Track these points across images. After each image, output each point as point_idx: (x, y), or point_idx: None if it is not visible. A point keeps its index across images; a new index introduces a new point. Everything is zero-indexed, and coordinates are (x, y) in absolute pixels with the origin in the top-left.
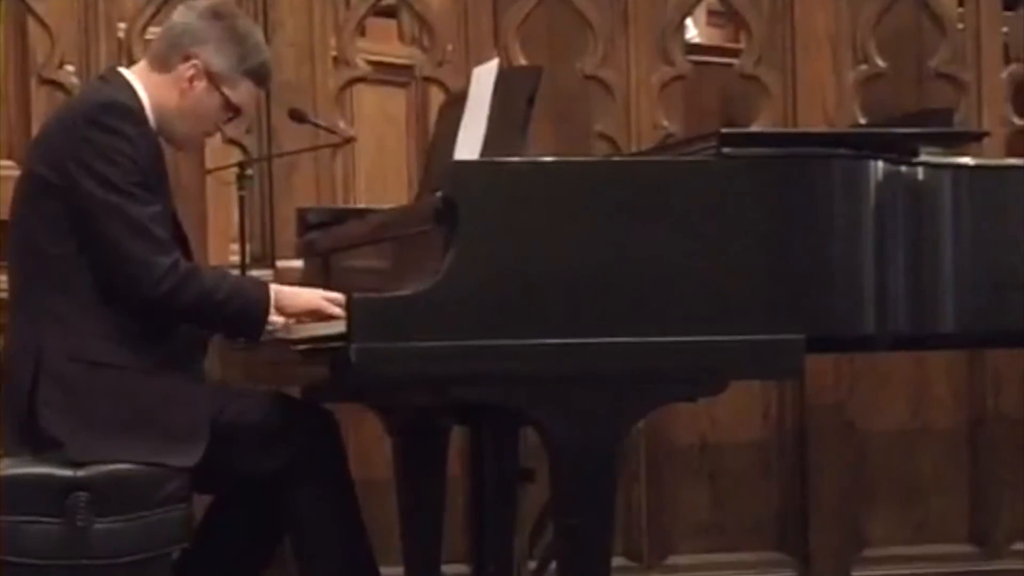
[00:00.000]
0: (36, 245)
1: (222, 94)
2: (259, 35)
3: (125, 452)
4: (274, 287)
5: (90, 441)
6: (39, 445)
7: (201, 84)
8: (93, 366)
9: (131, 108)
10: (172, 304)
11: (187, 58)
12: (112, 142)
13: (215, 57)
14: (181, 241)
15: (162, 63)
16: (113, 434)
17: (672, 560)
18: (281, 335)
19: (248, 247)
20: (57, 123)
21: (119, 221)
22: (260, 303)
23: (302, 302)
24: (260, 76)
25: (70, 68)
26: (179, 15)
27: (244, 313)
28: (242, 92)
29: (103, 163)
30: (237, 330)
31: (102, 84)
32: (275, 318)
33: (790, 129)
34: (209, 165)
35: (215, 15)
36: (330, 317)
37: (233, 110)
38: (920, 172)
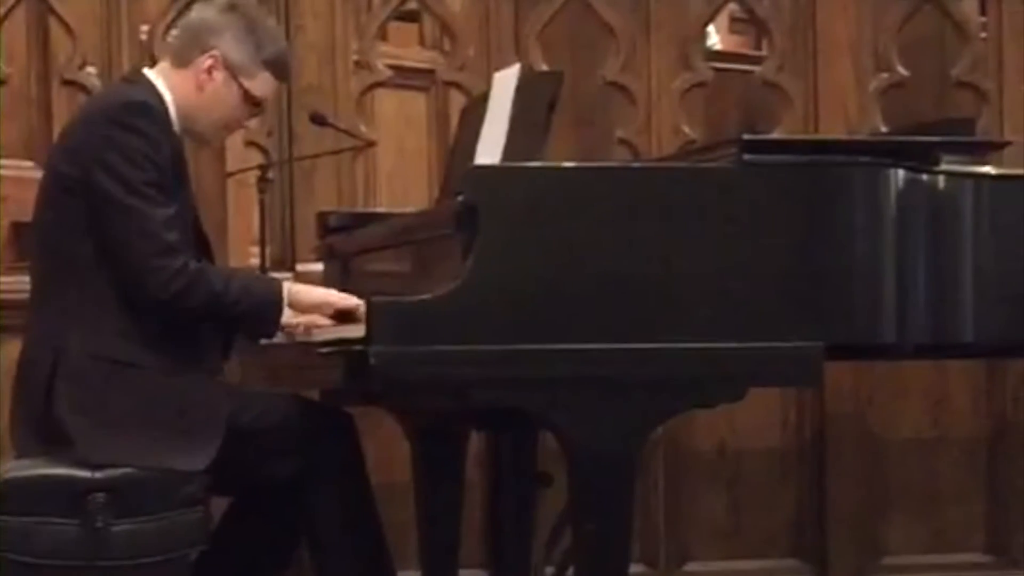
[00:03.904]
0: (57, 244)
1: (240, 85)
2: (276, 28)
3: (134, 455)
4: (287, 285)
5: (102, 441)
6: (52, 442)
7: (219, 75)
8: (112, 364)
9: (153, 107)
10: (182, 306)
11: (205, 51)
12: (132, 141)
13: (232, 48)
14: (202, 244)
15: (181, 58)
16: (125, 434)
17: (689, 567)
18: (302, 338)
19: (268, 250)
20: (80, 122)
21: (132, 223)
22: (271, 304)
23: (315, 298)
24: (278, 67)
25: (92, 70)
26: (196, 11)
27: (254, 314)
28: (260, 83)
29: (122, 162)
30: (249, 329)
31: (126, 85)
32: (290, 319)
33: (811, 136)
34: (230, 168)
35: (231, 7)
36: (342, 312)
37: (253, 102)
38: (941, 181)
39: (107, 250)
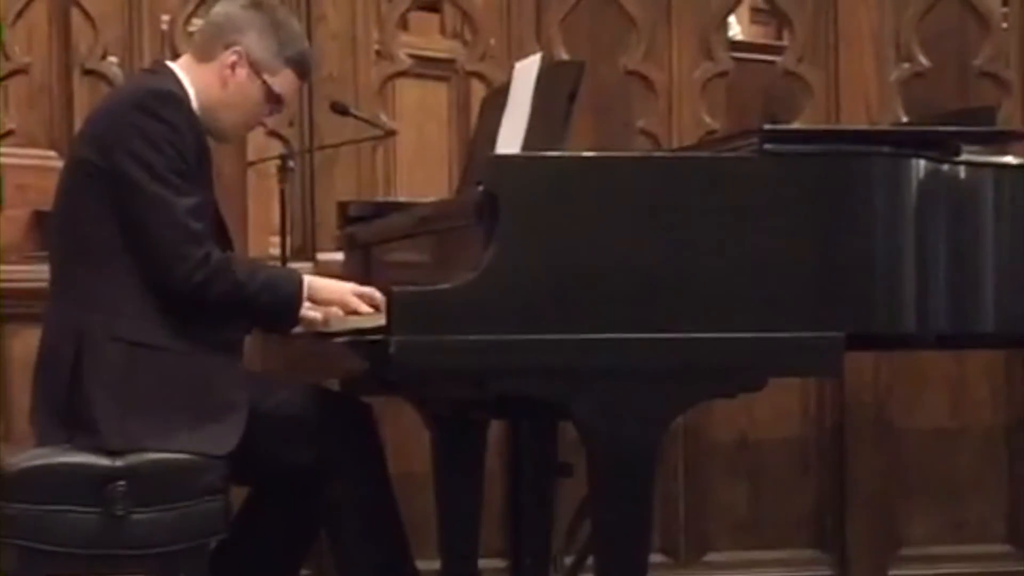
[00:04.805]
0: (78, 228)
1: (263, 82)
2: (299, 27)
3: (160, 437)
4: (308, 278)
5: (127, 422)
6: (76, 426)
7: (243, 71)
8: (134, 346)
9: (179, 97)
10: (204, 295)
11: (229, 46)
12: (159, 129)
13: (256, 45)
14: (222, 232)
15: (205, 53)
16: (150, 415)
17: (710, 557)
18: (320, 329)
19: (289, 240)
20: (105, 109)
21: (157, 210)
22: (292, 297)
23: (331, 293)
24: (300, 65)
25: (113, 59)
26: (221, 6)
27: (275, 306)
28: (283, 80)
29: (149, 150)
30: (269, 322)
31: (150, 75)
32: (308, 312)
33: (832, 126)
34: (251, 158)
35: (256, 5)
36: (355, 311)
37: (274, 100)
38: (962, 171)
39: (131, 236)
